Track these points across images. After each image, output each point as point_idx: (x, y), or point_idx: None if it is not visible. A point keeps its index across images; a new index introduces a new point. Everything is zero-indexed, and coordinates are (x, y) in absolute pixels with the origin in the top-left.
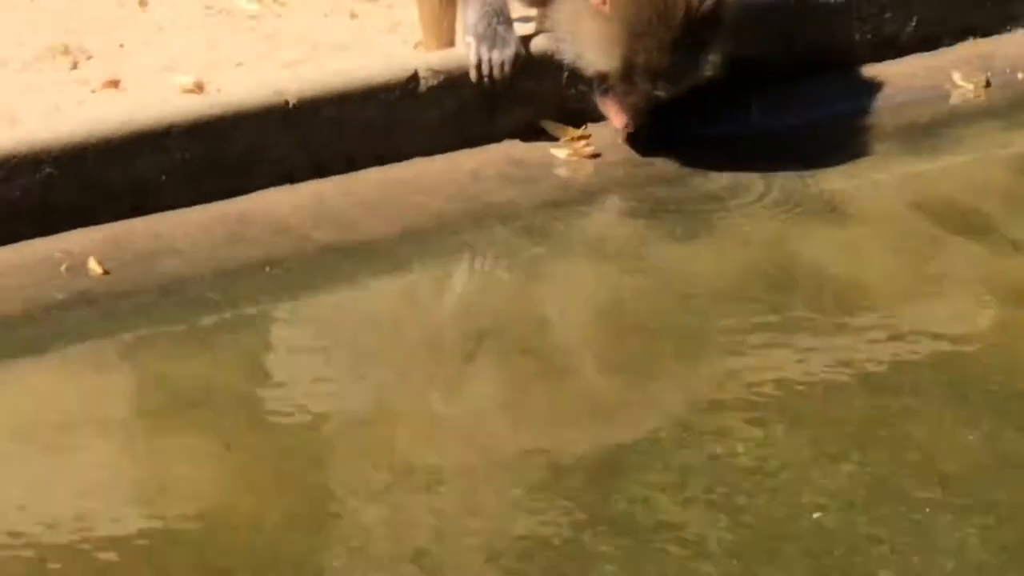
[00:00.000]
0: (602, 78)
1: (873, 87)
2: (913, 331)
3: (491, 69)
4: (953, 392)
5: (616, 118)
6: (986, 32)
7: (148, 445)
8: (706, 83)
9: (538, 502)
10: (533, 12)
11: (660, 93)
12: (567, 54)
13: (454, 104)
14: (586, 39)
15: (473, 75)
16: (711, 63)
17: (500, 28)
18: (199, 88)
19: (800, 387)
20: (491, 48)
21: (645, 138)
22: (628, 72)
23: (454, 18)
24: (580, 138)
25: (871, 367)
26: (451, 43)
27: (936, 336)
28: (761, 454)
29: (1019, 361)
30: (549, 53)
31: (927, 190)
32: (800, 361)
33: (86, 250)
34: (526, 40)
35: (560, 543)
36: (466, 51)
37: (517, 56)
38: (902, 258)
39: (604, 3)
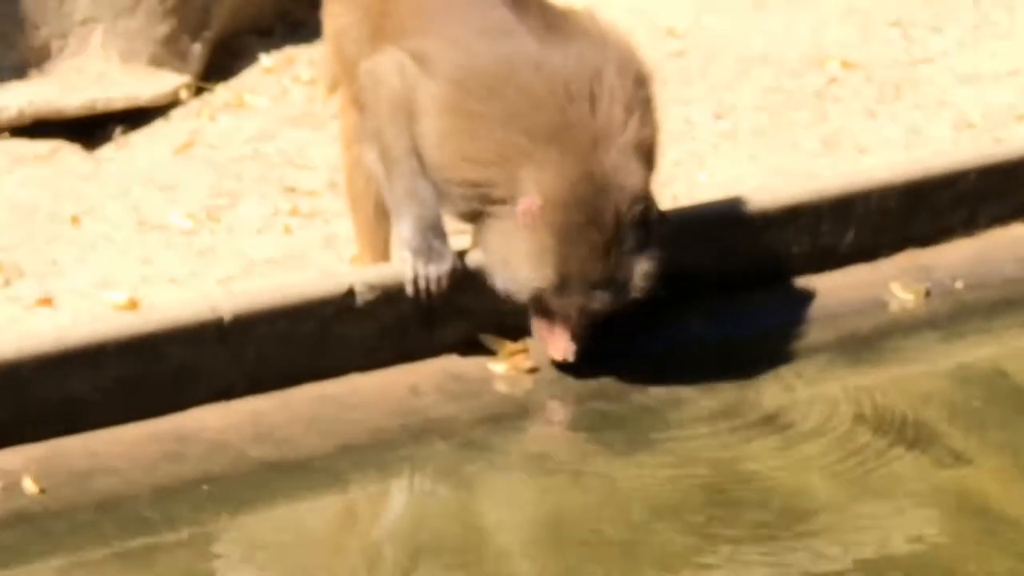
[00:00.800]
0: (537, 298)
1: (812, 298)
2: (858, 542)
3: (427, 284)
4: None
5: (556, 348)
6: (925, 243)
7: None
8: (643, 297)
9: None
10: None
11: (597, 306)
12: (499, 277)
13: (391, 319)
14: (517, 255)
15: (409, 290)
16: (645, 272)
17: (435, 243)
18: (133, 305)
19: None
20: (427, 263)
21: (582, 356)
22: (564, 284)
23: (389, 231)
24: (518, 352)
25: None
26: (387, 257)
27: (882, 547)
28: None
29: (965, 571)
30: (486, 267)
31: (868, 401)
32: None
33: (21, 468)
34: (462, 254)
35: None
36: (402, 266)
37: (453, 270)
38: (845, 470)
39: (530, 216)
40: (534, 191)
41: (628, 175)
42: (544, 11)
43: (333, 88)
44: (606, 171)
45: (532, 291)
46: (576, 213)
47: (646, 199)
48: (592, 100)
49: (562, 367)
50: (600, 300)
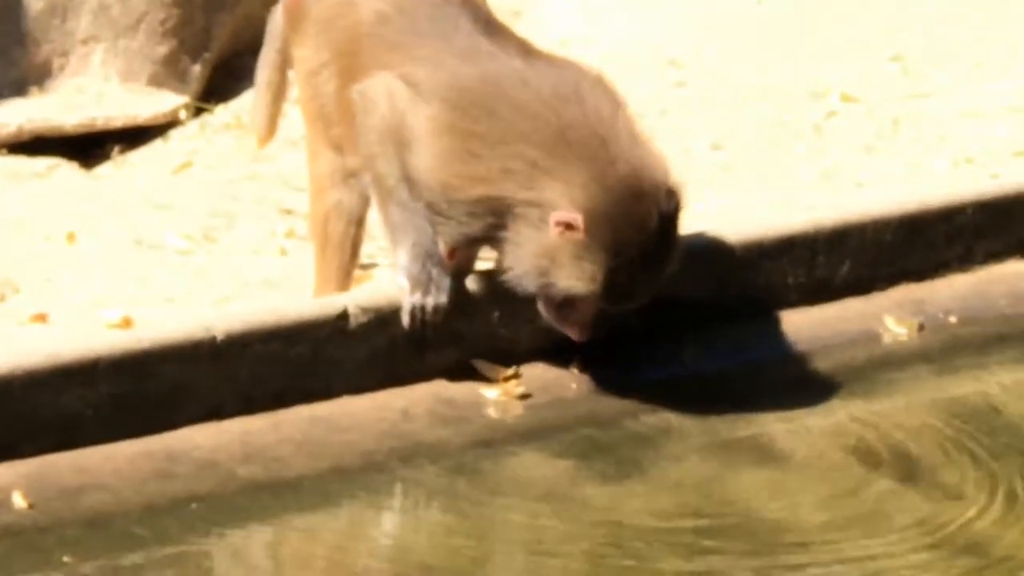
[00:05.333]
0: (570, 300)
1: (806, 330)
2: (848, 569)
3: (425, 314)
4: None
5: (572, 331)
6: (919, 276)
7: None
8: (638, 325)
9: None
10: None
11: (637, 303)
12: (533, 284)
13: (384, 342)
14: (559, 266)
15: (406, 320)
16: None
17: (434, 272)
18: (127, 323)
19: None
20: (425, 294)
21: (581, 376)
22: (613, 290)
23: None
24: (510, 378)
25: None
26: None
27: None
28: None
29: None
30: (481, 293)
31: (860, 434)
32: None
33: (11, 483)
34: (457, 281)
35: None
36: (399, 295)
37: (450, 300)
38: (835, 502)
39: (572, 229)
40: (568, 205)
41: (656, 168)
42: (518, 39)
43: (265, 138)
44: (635, 169)
45: (570, 297)
46: (622, 224)
47: (677, 188)
48: (580, 102)
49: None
50: (641, 298)
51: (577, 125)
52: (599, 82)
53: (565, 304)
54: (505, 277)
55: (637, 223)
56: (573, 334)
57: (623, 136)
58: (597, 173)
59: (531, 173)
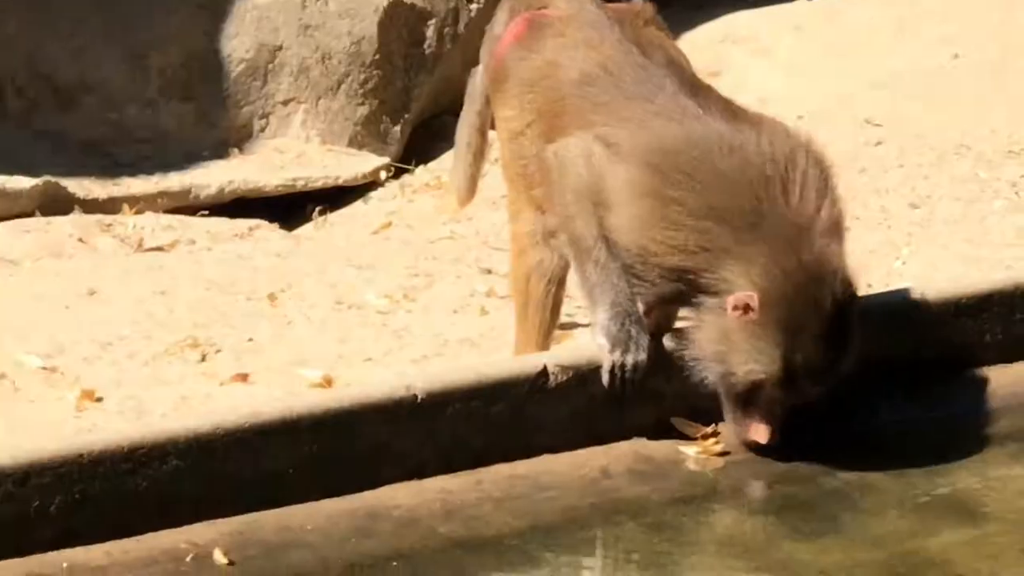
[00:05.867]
0: (755, 387)
1: (1003, 387)
2: None
3: (625, 373)
4: None
5: (757, 432)
6: None
7: None
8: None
9: None
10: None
11: (814, 394)
12: (713, 371)
13: (583, 400)
14: (736, 350)
15: (606, 379)
16: (854, 357)
17: (633, 330)
18: (327, 382)
19: None
20: (624, 352)
21: (779, 440)
22: (789, 377)
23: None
24: (709, 436)
25: None
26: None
27: None
28: None
29: None
30: (678, 350)
31: None
32: None
33: (212, 542)
34: (656, 339)
35: None
36: (599, 354)
37: (650, 359)
38: None
39: (748, 310)
40: (746, 285)
41: (836, 260)
42: (722, 98)
43: (465, 198)
44: (817, 258)
45: (751, 384)
46: (799, 305)
47: (853, 282)
48: (785, 184)
49: (756, 450)
50: (818, 388)
51: (776, 213)
52: (809, 152)
53: (749, 400)
54: (688, 367)
55: (812, 304)
56: (759, 436)
57: (818, 227)
58: (782, 258)
59: (720, 255)
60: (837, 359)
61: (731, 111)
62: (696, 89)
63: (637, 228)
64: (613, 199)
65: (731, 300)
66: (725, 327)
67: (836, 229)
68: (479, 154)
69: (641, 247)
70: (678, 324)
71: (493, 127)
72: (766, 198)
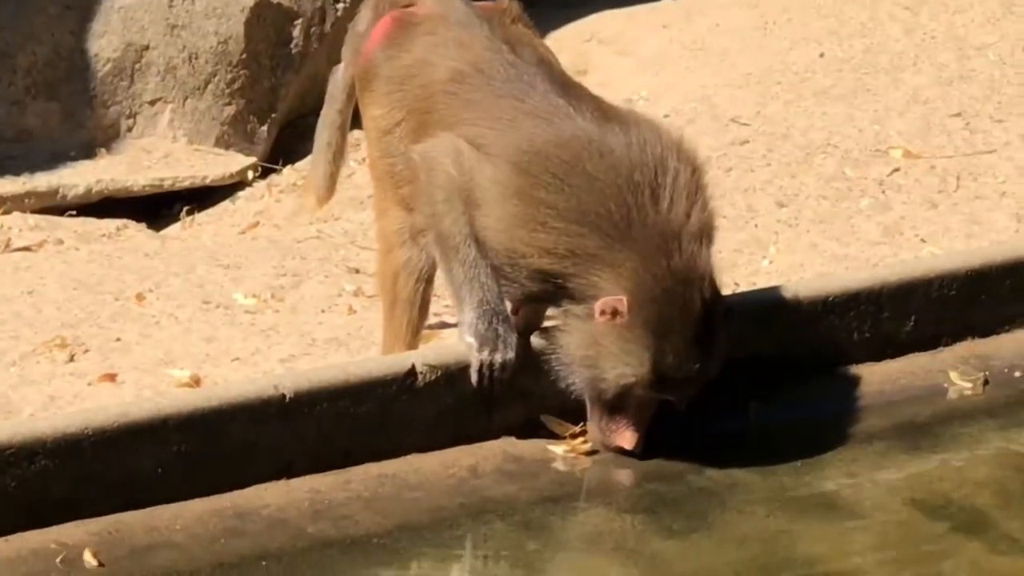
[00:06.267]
0: (624, 392)
1: (871, 385)
2: None
3: (492, 372)
4: None
5: (623, 438)
6: (984, 332)
7: None
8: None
9: None
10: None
11: (682, 395)
12: (580, 376)
13: (452, 400)
14: (605, 354)
15: (475, 379)
16: (721, 358)
17: (501, 328)
18: (196, 382)
19: None
20: (492, 351)
21: (647, 434)
22: (658, 380)
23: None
24: (578, 434)
25: None
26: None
27: None
28: None
29: None
30: (546, 349)
31: (925, 488)
32: None
33: (81, 543)
34: (524, 337)
35: None
36: (467, 353)
37: (518, 357)
38: (900, 555)
39: (617, 315)
40: (615, 290)
41: (704, 264)
42: (593, 97)
43: (324, 198)
44: (686, 262)
45: (621, 388)
46: (668, 308)
47: (718, 284)
48: (655, 191)
49: (623, 453)
50: (687, 390)
51: (646, 221)
52: (680, 153)
53: (616, 405)
54: (556, 371)
55: (681, 306)
56: (626, 443)
57: (687, 234)
58: (650, 263)
59: (588, 261)
60: (705, 360)
61: (602, 110)
62: (567, 88)
63: (505, 229)
64: (481, 198)
65: (599, 305)
66: (593, 332)
67: (706, 232)
68: (339, 153)
69: (509, 248)
70: (546, 323)
71: (354, 127)
72: (635, 205)
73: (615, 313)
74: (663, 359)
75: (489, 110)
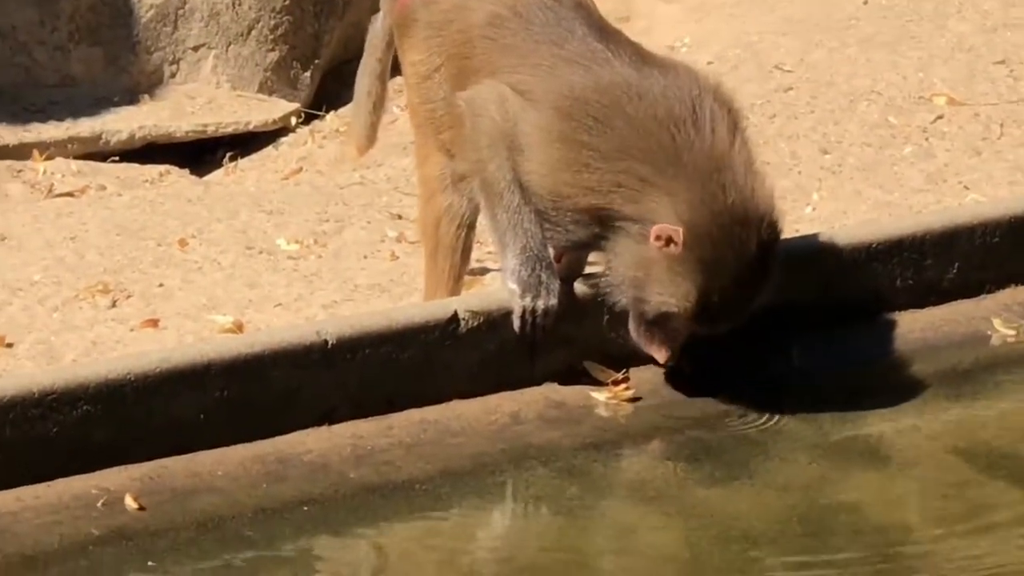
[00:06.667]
0: (664, 317)
1: (914, 332)
2: (957, 569)
3: (535, 318)
4: None
5: (658, 353)
6: None
7: None
8: (749, 325)
9: None
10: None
11: (723, 330)
12: (627, 296)
13: (494, 346)
14: (653, 280)
15: (516, 325)
16: (766, 297)
17: (544, 275)
18: (238, 328)
19: None
20: (535, 297)
21: (690, 379)
22: (700, 312)
23: (462, 280)
24: (620, 381)
25: None
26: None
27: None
28: None
29: None
30: (591, 296)
31: (967, 435)
32: None
33: (123, 487)
34: (567, 284)
35: None
36: (509, 299)
37: (560, 304)
38: (942, 501)
39: (670, 244)
40: (671, 218)
41: (762, 200)
42: (631, 43)
43: (365, 146)
44: (744, 200)
45: (662, 314)
46: (722, 248)
47: (778, 225)
48: (696, 121)
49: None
50: (725, 327)
51: (692, 148)
52: (717, 95)
53: (656, 323)
54: (600, 284)
55: (736, 246)
56: (659, 356)
57: (737, 163)
58: (706, 194)
59: (640, 187)
60: (750, 301)
61: (639, 56)
62: (605, 33)
63: (549, 172)
64: (525, 143)
65: (655, 230)
66: (644, 255)
67: (755, 166)
68: (379, 102)
69: (554, 192)
70: (588, 269)
71: (396, 75)
72: (679, 134)
73: (669, 241)
74: (708, 297)
75: (528, 56)
